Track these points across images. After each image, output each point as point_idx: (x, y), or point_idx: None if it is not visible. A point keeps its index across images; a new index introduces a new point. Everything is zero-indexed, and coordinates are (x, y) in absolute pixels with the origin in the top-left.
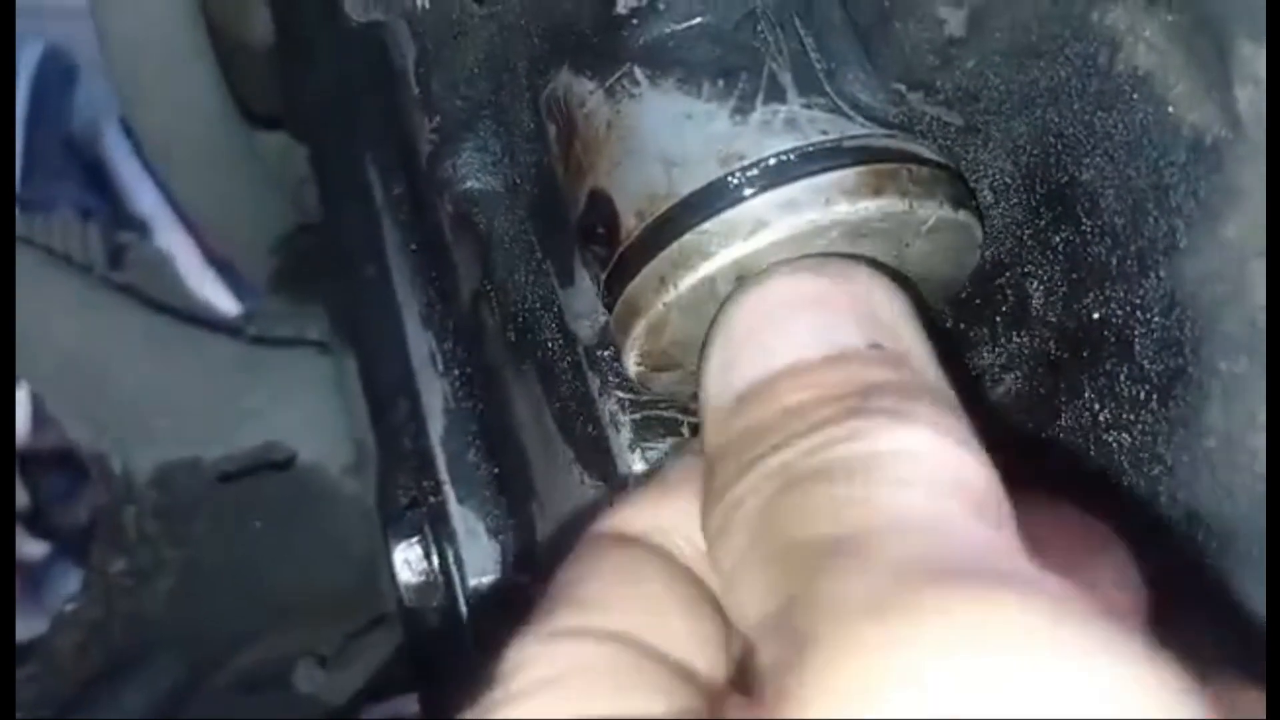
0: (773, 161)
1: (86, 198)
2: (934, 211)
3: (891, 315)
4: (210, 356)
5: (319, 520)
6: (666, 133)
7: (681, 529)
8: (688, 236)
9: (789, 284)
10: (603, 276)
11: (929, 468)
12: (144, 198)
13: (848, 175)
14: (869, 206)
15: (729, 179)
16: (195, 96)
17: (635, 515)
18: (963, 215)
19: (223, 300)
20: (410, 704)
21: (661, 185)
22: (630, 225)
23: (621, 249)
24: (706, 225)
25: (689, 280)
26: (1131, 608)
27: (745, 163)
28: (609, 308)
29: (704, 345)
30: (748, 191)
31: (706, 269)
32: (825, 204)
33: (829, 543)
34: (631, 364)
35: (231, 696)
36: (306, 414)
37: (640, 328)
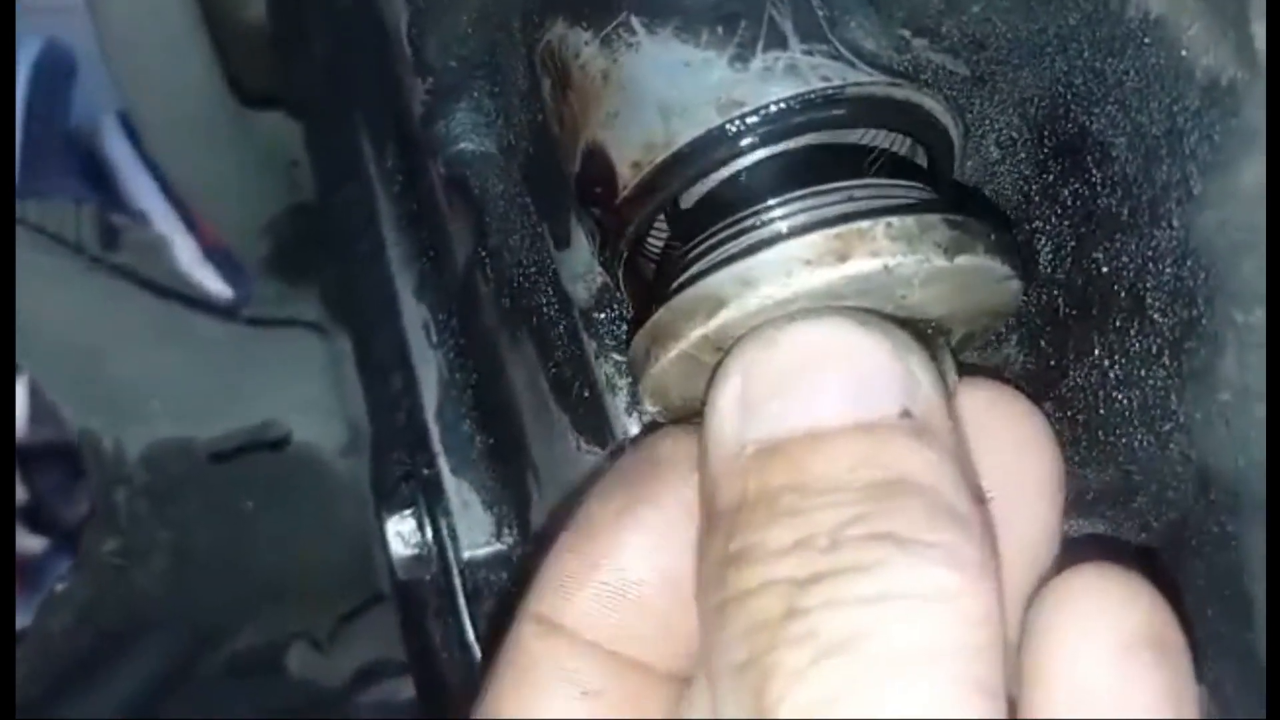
0: (773, 109)
1: (84, 192)
2: (919, 266)
3: (922, 373)
4: (204, 338)
5: (312, 501)
6: (664, 82)
7: (598, 624)
8: (659, 314)
9: (815, 331)
10: (598, 233)
11: (938, 635)
12: (142, 193)
13: (812, 241)
14: (832, 276)
15: (728, 127)
16: (189, 74)
17: (564, 602)
18: (963, 260)
19: (218, 289)
20: (405, 688)
21: (659, 134)
22: (626, 177)
23: (617, 201)
24: (673, 302)
25: (667, 355)
26: None
27: (745, 110)
28: (605, 266)
29: (716, 377)
30: (746, 141)
31: (680, 345)
32: (787, 276)
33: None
34: (655, 415)
35: (224, 681)
36: (300, 395)
37: (644, 391)
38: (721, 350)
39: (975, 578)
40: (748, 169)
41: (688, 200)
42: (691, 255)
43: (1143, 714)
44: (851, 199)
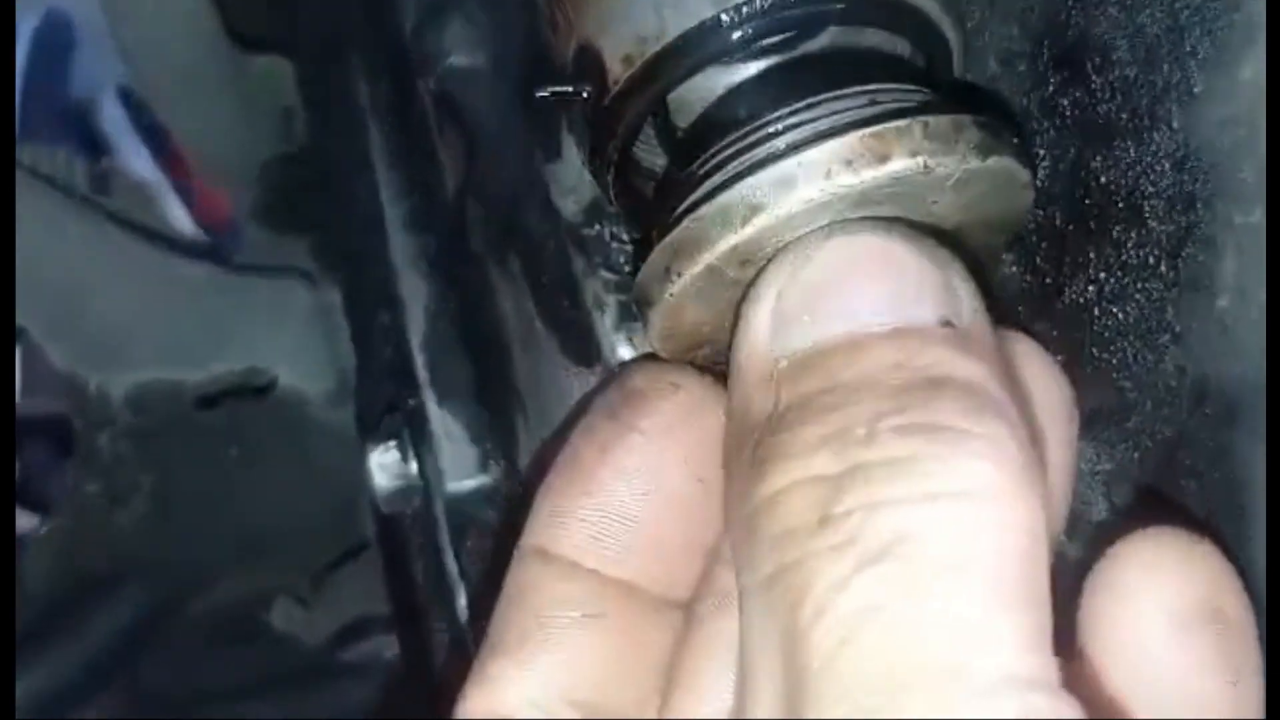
0: (770, 1)
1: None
2: (957, 166)
3: (962, 286)
4: (192, 282)
5: (297, 449)
6: None
7: (595, 551)
8: (684, 226)
9: (854, 244)
10: (589, 135)
11: (985, 538)
12: (140, 167)
13: (849, 141)
14: (876, 175)
15: (722, 17)
16: (184, 13)
17: (561, 532)
18: (993, 162)
19: (208, 240)
20: (389, 645)
21: (651, 27)
22: (617, 73)
23: (608, 99)
24: (699, 212)
25: (692, 270)
26: None
27: (739, 0)
28: (595, 174)
29: (748, 294)
30: (736, 35)
31: (706, 258)
32: (826, 177)
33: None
34: (659, 349)
35: (205, 635)
36: (288, 342)
37: (655, 316)
38: (749, 264)
39: (1021, 478)
40: (755, 79)
41: (687, 117)
42: (707, 168)
43: (1198, 689)
44: (875, 102)
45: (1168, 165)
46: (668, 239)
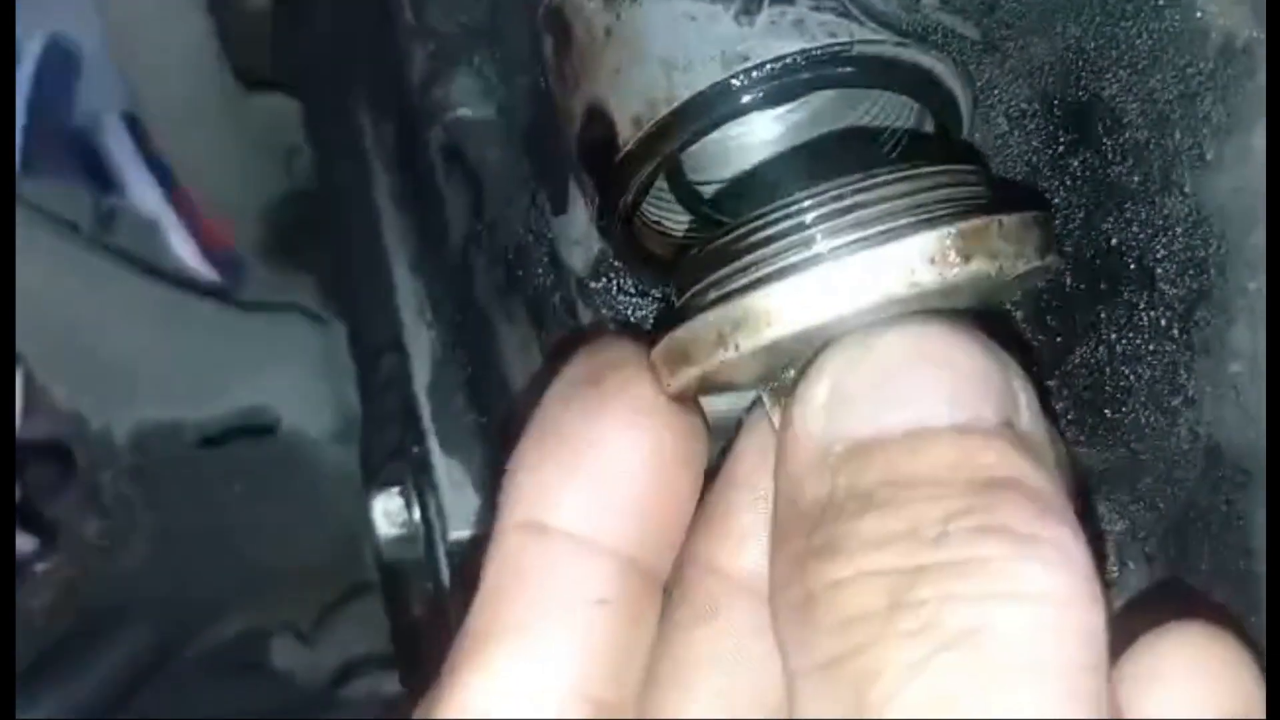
0: (779, 64)
1: (84, 188)
2: (1025, 267)
3: (1022, 388)
4: (196, 320)
5: (300, 489)
6: (668, 35)
7: (592, 522)
8: (756, 296)
9: (919, 336)
10: (598, 194)
11: (1057, 639)
12: (142, 192)
13: (934, 239)
14: (957, 276)
15: (732, 81)
16: (190, 52)
17: (553, 504)
18: (1051, 259)
19: (213, 277)
20: (390, 682)
21: (661, 90)
22: (627, 134)
23: (618, 159)
24: (774, 287)
25: (753, 345)
26: None
27: (749, 64)
28: (603, 230)
29: (804, 375)
30: (746, 98)
31: (772, 335)
32: (910, 275)
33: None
34: (668, 386)
35: (205, 672)
36: (292, 381)
37: (691, 375)
38: (808, 345)
39: (1088, 585)
40: (811, 140)
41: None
42: (777, 236)
43: None
44: (938, 185)
45: (1179, 230)
46: (731, 305)
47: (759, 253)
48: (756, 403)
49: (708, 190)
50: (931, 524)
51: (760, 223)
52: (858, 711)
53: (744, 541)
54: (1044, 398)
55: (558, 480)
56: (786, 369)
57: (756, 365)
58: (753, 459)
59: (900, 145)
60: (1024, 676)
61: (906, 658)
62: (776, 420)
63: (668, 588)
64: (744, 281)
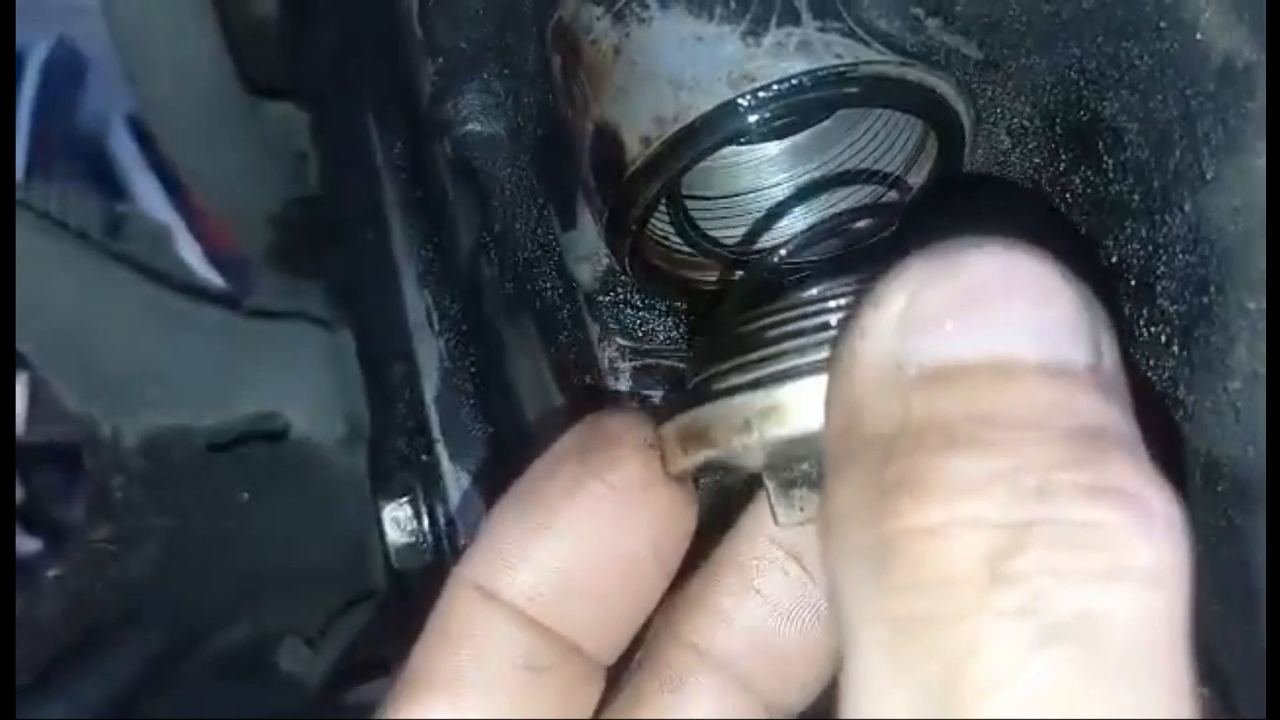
0: (785, 85)
1: (90, 192)
2: None
3: (1106, 330)
4: (205, 327)
5: (309, 494)
6: (676, 56)
7: (541, 601)
8: (785, 388)
9: (1009, 260)
10: (606, 210)
11: (1172, 626)
12: (147, 195)
13: None
14: None
15: (739, 101)
16: (199, 63)
17: (509, 574)
18: None
19: (220, 286)
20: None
21: (669, 109)
22: (635, 152)
23: (626, 177)
24: (805, 382)
25: (777, 434)
26: None
27: (756, 85)
28: (611, 246)
29: (870, 293)
30: (753, 118)
31: (799, 427)
32: None
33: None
34: (675, 465)
35: (213, 676)
36: (301, 387)
37: (704, 457)
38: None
39: (1190, 569)
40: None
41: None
42: (784, 329)
43: None
44: None
45: (1179, 248)
46: (760, 394)
47: (792, 343)
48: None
49: (710, 206)
50: (1031, 471)
51: (793, 313)
52: (944, 694)
53: (722, 623)
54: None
55: (520, 550)
56: (798, 462)
57: (771, 455)
58: (749, 545)
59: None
60: (1135, 671)
61: (1009, 646)
62: (780, 513)
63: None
64: (774, 370)
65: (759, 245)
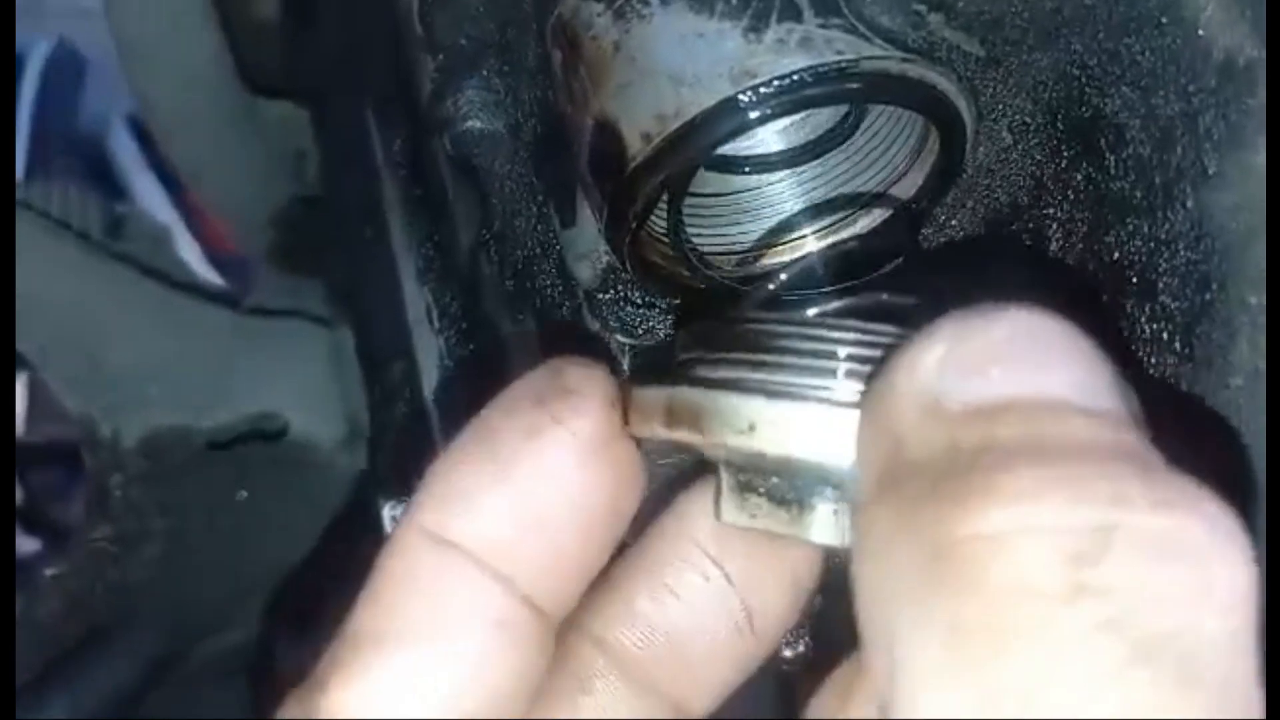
0: (786, 81)
1: (90, 192)
2: None
3: (1130, 391)
4: (205, 326)
5: (309, 493)
6: (676, 52)
7: (502, 550)
8: (804, 408)
9: (1041, 319)
10: (605, 207)
11: (1246, 646)
12: (149, 196)
13: None
14: None
15: (740, 97)
16: (199, 62)
17: (463, 519)
18: None
19: (221, 283)
20: None
21: (670, 105)
22: (636, 148)
23: (627, 173)
24: (824, 410)
25: (772, 449)
26: None
27: (757, 81)
28: (611, 243)
29: (910, 343)
30: (754, 114)
31: (795, 452)
32: None
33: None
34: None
35: (213, 675)
36: (301, 386)
37: (685, 437)
38: (806, 473)
39: (1257, 575)
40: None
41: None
42: (796, 345)
43: None
44: None
45: (1181, 245)
46: (777, 406)
47: (821, 363)
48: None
49: (709, 205)
50: (1101, 479)
51: (826, 332)
52: (1023, 701)
53: (636, 623)
54: None
55: (475, 493)
56: (767, 475)
57: (747, 459)
58: (671, 545)
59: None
60: (1225, 695)
61: (1103, 661)
62: (727, 510)
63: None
64: (795, 383)
65: (759, 249)
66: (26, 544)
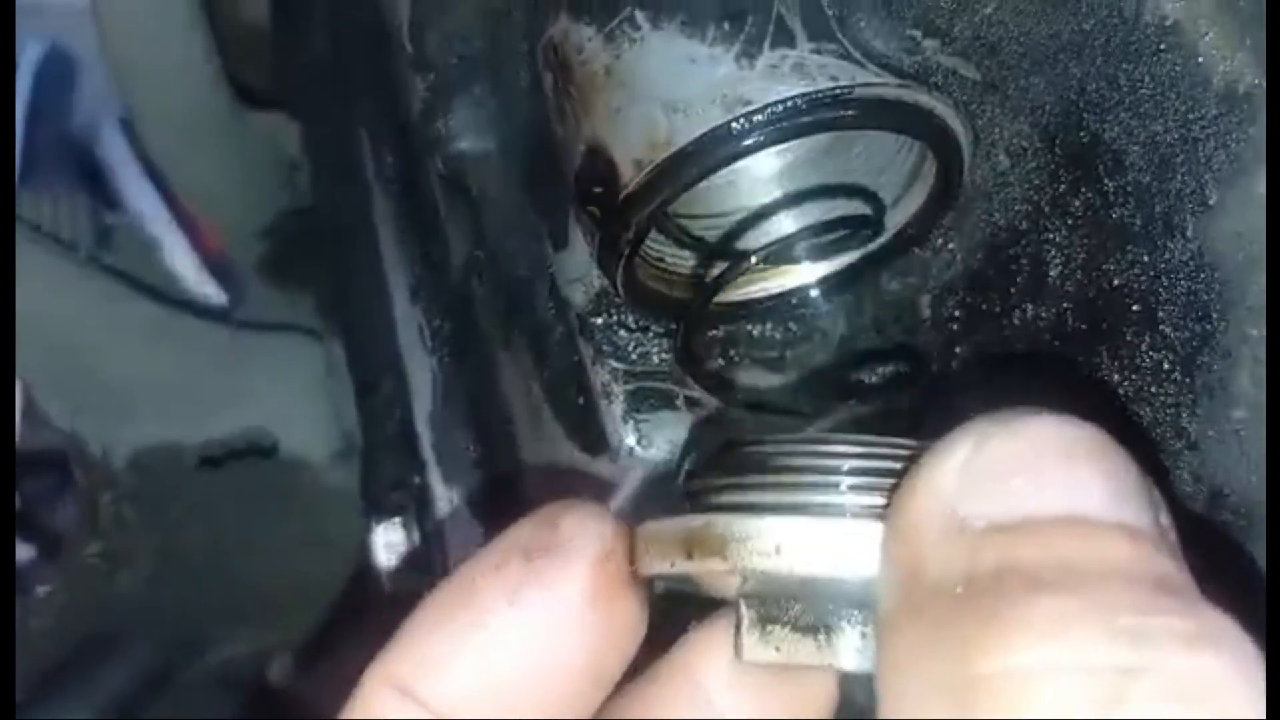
0: (779, 108)
1: (81, 195)
2: None
3: (1161, 499)
4: (195, 341)
5: (300, 509)
6: (668, 77)
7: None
8: (831, 524)
9: (1071, 427)
10: (598, 233)
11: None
12: (139, 198)
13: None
14: None
15: (733, 125)
16: (189, 74)
17: (422, 676)
18: None
19: (212, 294)
20: None
21: (661, 132)
22: (628, 176)
23: (619, 200)
24: (851, 524)
25: (808, 570)
26: None
27: (750, 108)
28: (603, 267)
29: (932, 450)
30: (747, 141)
31: (834, 571)
32: None
33: None
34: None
35: (205, 691)
36: (292, 401)
37: (709, 568)
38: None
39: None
40: None
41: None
42: (809, 463)
43: None
44: None
45: (1182, 274)
46: (803, 525)
47: (846, 479)
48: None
49: (701, 225)
50: (1124, 613)
51: (839, 449)
52: None
53: None
54: None
55: (450, 653)
56: (791, 601)
57: (769, 585)
58: (672, 695)
59: None
60: None
61: None
62: (748, 647)
63: None
64: (818, 500)
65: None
66: (20, 551)
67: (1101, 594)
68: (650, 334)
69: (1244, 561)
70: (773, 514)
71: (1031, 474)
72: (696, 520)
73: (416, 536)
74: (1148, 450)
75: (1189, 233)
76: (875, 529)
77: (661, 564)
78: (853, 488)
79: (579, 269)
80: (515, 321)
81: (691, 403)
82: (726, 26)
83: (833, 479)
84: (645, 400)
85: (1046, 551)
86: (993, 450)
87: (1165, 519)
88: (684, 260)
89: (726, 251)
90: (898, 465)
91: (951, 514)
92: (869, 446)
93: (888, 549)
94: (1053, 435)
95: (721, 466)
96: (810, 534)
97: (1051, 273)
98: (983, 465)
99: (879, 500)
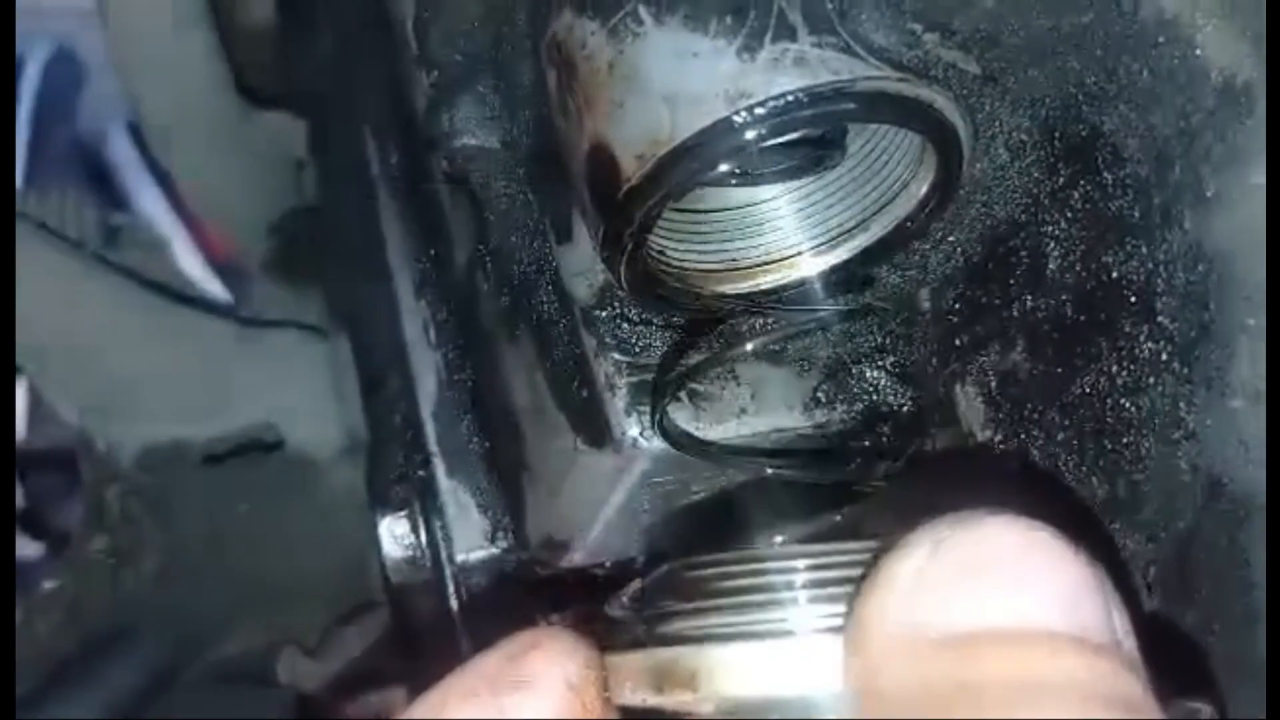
0: (781, 101)
1: (88, 197)
2: None
3: (1115, 600)
4: (202, 337)
5: (306, 505)
6: (670, 71)
7: None
8: (793, 643)
9: (1029, 530)
10: (601, 227)
11: None
12: (145, 200)
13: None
14: None
15: (734, 118)
16: (196, 74)
17: None
18: None
19: (218, 293)
20: (395, 698)
21: (664, 127)
22: (630, 170)
23: (621, 194)
24: (811, 640)
25: (780, 691)
26: None
27: (752, 101)
28: (606, 261)
29: (891, 551)
30: (749, 134)
31: (802, 690)
32: None
33: None
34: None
35: (211, 686)
36: (298, 397)
37: (678, 700)
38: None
39: None
40: None
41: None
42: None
43: None
44: None
45: (1180, 265)
46: (769, 647)
47: (802, 594)
48: None
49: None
50: None
51: (796, 564)
52: None
53: None
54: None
55: None
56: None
57: (741, 708)
58: None
59: None
60: None
61: None
62: None
63: None
64: (778, 620)
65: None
66: (25, 550)
67: (1056, 713)
68: (653, 327)
69: (1242, 555)
70: (737, 641)
71: (987, 581)
72: (664, 654)
73: (422, 528)
74: (1107, 537)
75: (1187, 224)
76: (837, 643)
77: (632, 699)
78: (812, 600)
79: (582, 263)
80: (519, 316)
81: (694, 395)
82: (729, 20)
83: (791, 594)
84: (649, 392)
85: (1000, 667)
86: (947, 554)
87: (1123, 623)
88: (687, 254)
89: None
90: (855, 572)
91: (907, 623)
92: (824, 556)
93: (846, 662)
94: (1008, 538)
95: (679, 591)
96: (774, 657)
97: (1050, 264)
98: (938, 572)
99: (840, 609)
